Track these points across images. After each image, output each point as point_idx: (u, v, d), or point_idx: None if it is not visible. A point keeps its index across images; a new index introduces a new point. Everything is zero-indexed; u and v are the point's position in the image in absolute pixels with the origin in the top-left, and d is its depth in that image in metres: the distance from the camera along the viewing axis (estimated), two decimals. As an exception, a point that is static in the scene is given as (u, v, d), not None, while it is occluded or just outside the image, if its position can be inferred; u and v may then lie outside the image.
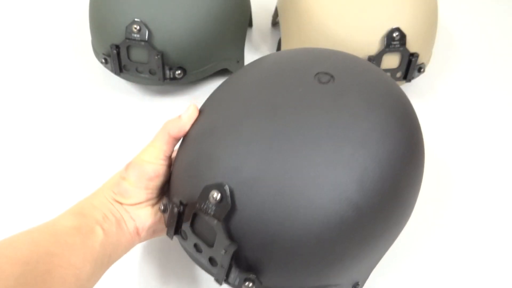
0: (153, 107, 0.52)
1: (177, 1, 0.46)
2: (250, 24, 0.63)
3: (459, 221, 0.43)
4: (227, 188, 0.27)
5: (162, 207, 0.32)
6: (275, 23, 0.64)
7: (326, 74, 0.31)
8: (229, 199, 0.27)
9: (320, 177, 0.27)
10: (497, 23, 0.66)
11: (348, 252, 0.28)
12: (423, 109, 0.53)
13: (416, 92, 0.55)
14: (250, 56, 0.59)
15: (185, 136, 0.33)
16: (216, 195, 0.27)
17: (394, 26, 0.47)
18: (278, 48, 0.58)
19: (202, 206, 0.28)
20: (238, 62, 0.55)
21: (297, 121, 0.28)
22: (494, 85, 0.57)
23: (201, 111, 0.34)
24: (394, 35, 0.46)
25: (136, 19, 0.45)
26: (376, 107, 0.29)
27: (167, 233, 0.31)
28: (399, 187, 0.29)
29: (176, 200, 0.30)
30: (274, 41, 0.61)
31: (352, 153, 0.27)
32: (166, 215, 0.31)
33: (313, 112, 0.28)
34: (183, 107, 0.51)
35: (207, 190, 0.28)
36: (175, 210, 0.30)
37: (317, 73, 0.31)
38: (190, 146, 0.31)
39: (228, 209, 0.27)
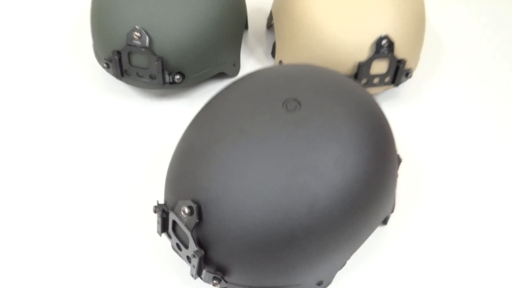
0: (153, 109, 0.54)
1: (176, 8, 0.48)
2: (246, 26, 0.65)
3: (445, 222, 0.46)
4: (195, 205, 0.33)
5: (153, 209, 0.37)
6: (270, 25, 0.66)
7: (294, 101, 0.35)
8: (196, 214, 0.33)
9: (273, 201, 0.32)
10: (486, 27, 0.69)
11: (298, 263, 0.33)
12: (409, 113, 0.56)
13: (404, 96, 0.58)
14: (245, 59, 0.61)
15: (176, 147, 0.39)
16: (187, 210, 0.33)
17: (383, 34, 0.49)
18: (273, 51, 0.60)
19: (178, 216, 0.34)
20: (234, 65, 0.57)
21: (260, 148, 0.33)
22: (480, 89, 0.59)
23: (190, 126, 0.39)
24: (383, 42, 0.49)
25: (136, 26, 0.47)
26: (334, 136, 0.33)
27: (157, 231, 0.37)
28: (353, 210, 0.33)
29: (162, 206, 0.36)
30: (269, 43, 0.63)
31: (304, 180, 0.32)
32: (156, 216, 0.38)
33: (275, 140, 0.33)
34: (181, 110, 0.54)
35: (180, 205, 0.33)
36: (159, 215, 0.36)
37: (286, 100, 0.35)
38: (176, 160, 0.37)
39: (195, 222, 0.33)
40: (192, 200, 0.33)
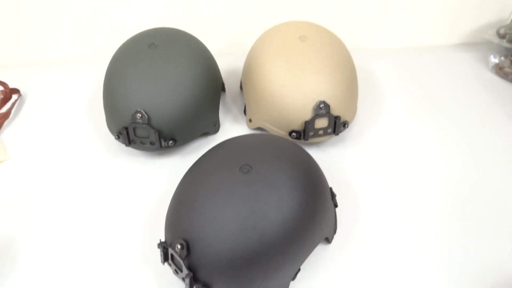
0: (153, 165, 0.70)
1: (167, 94, 0.65)
2: (223, 89, 0.82)
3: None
4: (184, 243, 0.48)
5: (157, 246, 0.52)
6: (242, 87, 0.83)
7: (248, 166, 0.51)
8: (186, 249, 0.48)
9: (235, 237, 0.47)
10: (417, 77, 0.86)
11: (257, 276, 0.49)
12: (352, 153, 0.72)
13: (344, 141, 0.73)
14: (224, 117, 0.77)
15: (171, 201, 0.54)
16: (179, 246, 0.48)
17: (321, 100, 0.66)
18: (245, 110, 0.77)
19: (174, 250, 0.49)
20: (214, 125, 0.74)
21: (225, 202, 0.49)
22: (411, 133, 0.75)
23: (179, 185, 0.55)
24: (321, 106, 0.65)
25: (138, 109, 0.64)
26: (274, 190, 0.49)
27: (161, 261, 0.52)
28: (290, 238, 0.49)
29: (163, 244, 0.51)
30: (242, 103, 0.80)
31: (255, 222, 0.47)
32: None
33: (235, 195, 0.49)
34: (175, 164, 0.72)
35: (174, 243, 0.49)
36: (161, 250, 0.51)
37: (242, 165, 0.51)
38: (170, 211, 0.53)
39: (185, 254, 0.49)
40: (183, 239, 0.49)
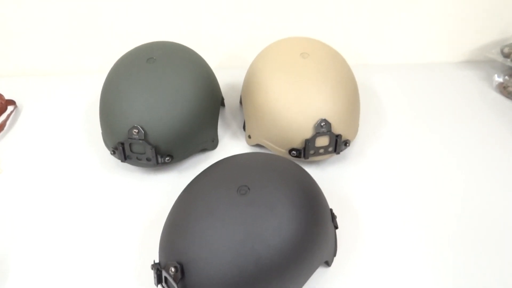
0: (149, 181, 0.69)
1: (164, 109, 0.63)
2: (222, 104, 0.80)
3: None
4: (179, 266, 0.47)
5: (151, 267, 0.51)
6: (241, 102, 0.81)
7: (245, 187, 0.49)
8: (180, 271, 0.47)
9: (231, 261, 0.46)
10: (420, 95, 0.84)
11: None
12: (353, 172, 0.70)
13: (345, 159, 0.72)
14: (223, 133, 0.76)
15: (166, 221, 0.53)
16: (173, 269, 0.47)
17: (322, 118, 0.64)
18: (244, 126, 0.75)
19: (167, 273, 0.47)
20: (213, 141, 0.72)
21: (221, 223, 0.47)
22: (412, 151, 0.74)
23: (175, 205, 0.54)
24: (322, 124, 0.64)
25: (135, 125, 0.62)
26: (272, 212, 0.48)
27: (154, 283, 0.50)
28: (288, 263, 0.47)
29: (156, 265, 0.50)
30: (242, 118, 0.78)
31: (251, 245, 0.46)
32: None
33: (231, 217, 0.47)
34: (172, 180, 0.69)
35: (168, 265, 0.47)
36: (155, 272, 0.49)
37: (239, 186, 0.49)
38: (165, 231, 0.52)
39: (179, 277, 0.47)
40: (177, 262, 0.47)
